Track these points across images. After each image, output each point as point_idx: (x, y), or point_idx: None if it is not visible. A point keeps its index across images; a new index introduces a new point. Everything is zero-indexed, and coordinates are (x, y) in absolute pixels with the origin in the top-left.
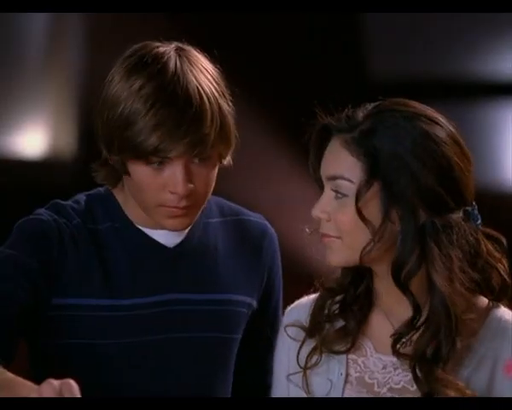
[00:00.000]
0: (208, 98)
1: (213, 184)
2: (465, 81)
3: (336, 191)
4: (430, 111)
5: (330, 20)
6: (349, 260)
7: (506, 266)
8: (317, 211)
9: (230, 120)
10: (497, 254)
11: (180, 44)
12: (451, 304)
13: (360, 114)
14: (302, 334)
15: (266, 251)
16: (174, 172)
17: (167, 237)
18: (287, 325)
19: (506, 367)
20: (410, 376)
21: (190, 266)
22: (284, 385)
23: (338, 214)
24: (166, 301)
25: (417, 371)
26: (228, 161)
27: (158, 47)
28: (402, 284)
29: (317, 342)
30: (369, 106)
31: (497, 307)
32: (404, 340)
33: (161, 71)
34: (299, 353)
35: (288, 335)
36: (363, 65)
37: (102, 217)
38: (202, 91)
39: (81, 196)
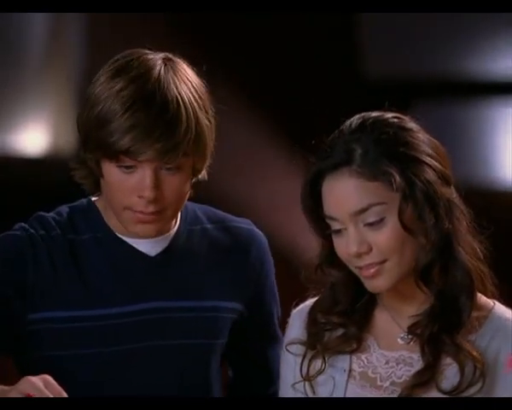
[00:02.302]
0: (186, 108)
1: (185, 195)
2: (464, 81)
3: (367, 220)
4: (390, 112)
5: (330, 20)
6: (397, 279)
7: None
8: (355, 247)
9: (208, 134)
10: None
11: (169, 55)
12: (473, 272)
13: (344, 142)
14: (303, 347)
15: (254, 257)
16: (143, 177)
17: (149, 246)
18: (287, 344)
19: (508, 363)
20: (412, 371)
21: (173, 273)
22: (290, 394)
23: (381, 239)
24: (149, 310)
25: (426, 345)
26: (203, 175)
27: (146, 54)
28: (426, 277)
29: (319, 351)
30: (345, 132)
31: (498, 305)
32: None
33: (144, 76)
34: (302, 365)
35: (289, 352)
36: (362, 65)
37: (84, 228)
38: (181, 100)
39: (64, 208)
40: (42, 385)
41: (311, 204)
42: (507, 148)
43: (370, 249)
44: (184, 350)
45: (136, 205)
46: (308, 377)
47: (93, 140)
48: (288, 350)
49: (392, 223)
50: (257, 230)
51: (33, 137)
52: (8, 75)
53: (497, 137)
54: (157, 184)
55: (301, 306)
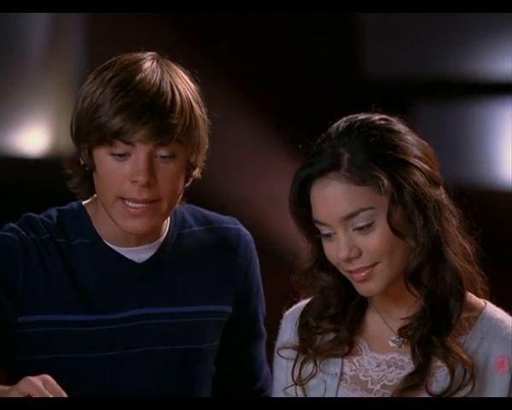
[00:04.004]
0: (180, 94)
1: (179, 191)
2: (464, 81)
3: (356, 225)
4: (377, 114)
5: (330, 21)
6: (389, 282)
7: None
8: (345, 253)
9: (202, 126)
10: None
11: (158, 54)
12: (462, 273)
13: (331, 147)
14: (295, 351)
15: (242, 257)
16: (136, 162)
17: (137, 253)
18: (279, 349)
19: (497, 364)
20: (403, 373)
21: (161, 280)
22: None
23: (371, 243)
24: (138, 316)
25: (417, 348)
26: (197, 172)
27: (136, 53)
28: (414, 279)
29: (310, 355)
30: (332, 136)
31: (489, 305)
32: (412, 330)
33: (135, 64)
34: (293, 370)
35: (281, 356)
36: (362, 65)
37: (73, 232)
38: (175, 87)
39: (53, 211)
40: (41, 385)
41: (300, 209)
42: (507, 148)
43: (360, 254)
44: (175, 355)
45: (129, 191)
46: (300, 382)
47: (86, 127)
48: (279, 355)
49: (381, 227)
50: (243, 229)
51: (33, 137)
52: (8, 75)
53: (497, 137)
54: (151, 170)
55: (293, 308)
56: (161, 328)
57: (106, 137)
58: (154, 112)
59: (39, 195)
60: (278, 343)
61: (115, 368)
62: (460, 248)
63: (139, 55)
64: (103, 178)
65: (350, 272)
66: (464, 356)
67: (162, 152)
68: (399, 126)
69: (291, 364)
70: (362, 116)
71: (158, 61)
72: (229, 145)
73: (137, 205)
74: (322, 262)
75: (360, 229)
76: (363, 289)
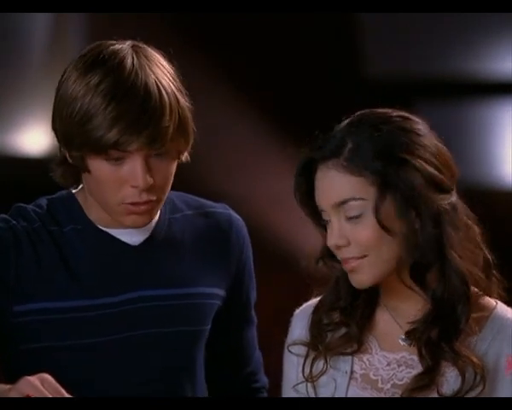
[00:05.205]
0: (167, 92)
1: (172, 179)
2: (464, 81)
3: (347, 213)
4: (399, 111)
5: (330, 20)
6: (379, 275)
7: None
8: (334, 240)
9: (188, 114)
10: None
11: (135, 42)
12: (468, 279)
13: (338, 135)
14: (305, 348)
15: (234, 241)
16: (134, 167)
17: (131, 236)
18: (289, 345)
19: (508, 364)
20: (413, 372)
21: (156, 262)
22: (293, 396)
23: (358, 234)
24: (134, 299)
25: (424, 351)
26: (186, 157)
27: (113, 45)
28: (419, 279)
29: (321, 352)
30: (343, 125)
31: (501, 305)
32: (420, 332)
33: (119, 66)
34: (304, 366)
35: (292, 353)
36: (362, 65)
37: (64, 219)
38: (161, 85)
39: (43, 200)
40: (40, 384)
41: (304, 195)
42: (507, 148)
43: (349, 243)
44: (170, 338)
45: (130, 196)
46: (311, 378)
47: (77, 137)
48: (290, 351)
49: (370, 219)
50: (235, 214)
51: (33, 137)
52: (9, 75)
53: (497, 137)
54: (148, 172)
55: (304, 306)
56: (157, 310)
57: (102, 149)
58: (148, 119)
59: (39, 195)
60: (288, 341)
61: (114, 352)
62: (469, 254)
63: (116, 47)
64: (100, 182)
65: (342, 260)
66: (474, 359)
67: (156, 151)
68: (416, 126)
69: (302, 360)
70: (379, 111)
71: (137, 52)
72: (229, 145)
73: (140, 206)
74: (330, 250)
75: (351, 219)
76: (354, 279)
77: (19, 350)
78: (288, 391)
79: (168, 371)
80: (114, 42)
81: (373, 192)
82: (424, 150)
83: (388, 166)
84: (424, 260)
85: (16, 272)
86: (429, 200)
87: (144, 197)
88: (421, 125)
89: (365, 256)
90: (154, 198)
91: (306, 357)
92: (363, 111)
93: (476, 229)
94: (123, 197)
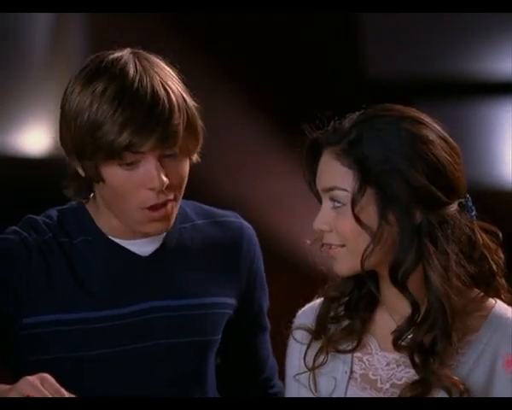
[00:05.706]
0: (173, 92)
1: (186, 179)
2: (464, 81)
3: (334, 201)
4: (414, 112)
5: (330, 20)
6: (355, 267)
7: (502, 257)
8: (319, 223)
9: (196, 113)
10: (493, 246)
11: (134, 49)
12: (447, 300)
13: (346, 124)
14: (309, 336)
15: (245, 251)
16: (148, 168)
17: (142, 247)
18: (294, 329)
19: (506, 363)
20: (412, 372)
21: (167, 273)
22: (294, 386)
23: (338, 223)
24: (145, 310)
25: (416, 360)
26: (196, 158)
27: (113, 53)
28: (400, 283)
29: (323, 342)
30: (355, 115)
31: (499, 304)
32: (404, 337)
33: (122, 71)
34: (306, 355)
35: (294, 338)
36: (362, 65)
37: (75, 231)
38: (167, 86)
39: (53, 211)
40: (39, 384)
41: (310, 174)
42: (508, 148)
43: (331, 230)
44: (181, 348)
45: (148, 200)
46: (313, 367)
47: (89, 146)
48: (293, 336)
49: (349, 211)
50: (245, 222)
51: (33, 137)
52: (9, 75)
53: (497, 138)
54: (163, 173)
55: (306, 307)
56: (168, 321)
57: (115, 153)
58: (158, 119)
59: (40, 195)
60: (293, 327)
61: (125, 363)
62: (462, 268)
63: (116, 55)
64: (115, 190)
65: (324, 246)
66: (454, 379)
67: (169, 152)
68: (424, 133)
69: (304, 348)
70: (395, 107)
71: (138, 57)
72: (229, 145)
73: (159, 210)
74: None
75: (336, 207)
76: (334, 266)
77: (27, 361)
78: (289, 380)
79: (178, 381)
80: (113, 51)
81: (354, 187)
82: (422, 161)
83: (378, 167)
84: (401, 265)
85: (28, 285)
86: (411, 212)
87: (162, 198)
88: (429, 132)
89: (344, 246)
90: (172, 197)
91: (308, 347)
92: (380, 105)
93: (481, 239)
94: (141, 202)
